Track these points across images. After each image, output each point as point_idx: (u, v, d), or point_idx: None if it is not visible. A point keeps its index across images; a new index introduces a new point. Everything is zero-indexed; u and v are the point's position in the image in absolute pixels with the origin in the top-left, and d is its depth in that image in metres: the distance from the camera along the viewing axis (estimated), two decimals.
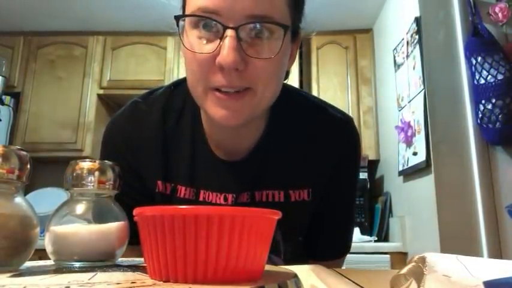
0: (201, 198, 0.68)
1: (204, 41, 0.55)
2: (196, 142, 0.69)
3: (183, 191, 0.68)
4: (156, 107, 0.70)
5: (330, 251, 0.78)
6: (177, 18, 0.57)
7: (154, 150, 0.68)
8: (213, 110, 0.57)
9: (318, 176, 0.71)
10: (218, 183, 0.68)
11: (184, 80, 0.71)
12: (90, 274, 0.33)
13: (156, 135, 0.69)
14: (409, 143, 2.09)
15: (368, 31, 2.96)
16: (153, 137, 0.69)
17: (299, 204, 0.70)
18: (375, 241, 2.40)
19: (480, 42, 1.23)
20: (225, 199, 0.68)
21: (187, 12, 0.57)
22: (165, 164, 0.68)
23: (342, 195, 0.76)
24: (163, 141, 0.69)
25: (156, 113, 0.70)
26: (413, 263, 0.35)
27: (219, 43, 0.53)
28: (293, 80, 2.69)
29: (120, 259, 0.45)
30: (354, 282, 0.42)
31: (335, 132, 0.73)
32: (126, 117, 0.71)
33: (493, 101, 1.18)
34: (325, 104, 0.76)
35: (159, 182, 0.68)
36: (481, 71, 1.20)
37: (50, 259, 0.42)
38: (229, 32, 0.53)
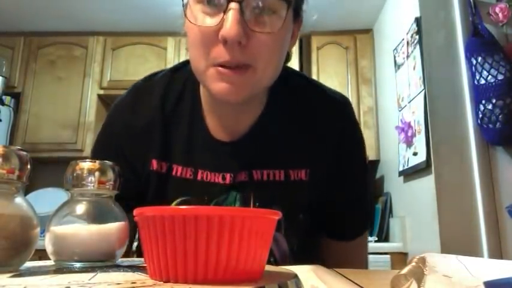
0: (199, 178, 0.69)
1: (208, 15, 0.56)
2: (195, 123, 0.70)
3: (180, 170, 0.69)
4: (157, 90, 0.71)
5: (353, 228, 0.80)
6: None
7: (151, 130, 0.70)
8: (215, 85, 0.58)
9: (316, 157, 0.72)
10: (216, 163, 0.69)
11: (184, 65, 0.73)
12: (91, 274, 0.33)
13: (154, 116, 0.70)
14: (409, 143, 2.09)
15: (368, 31, 2.96)
16: (151, 117, 0.70)
17: (297, 183, 0.71)
18: (375, 241, 2.40)
19: (480, 42, 1.23)
20: (223, 178, 0.69)
21: None
22: (161, 143, 0.69)
23: (352, 172, 0.77)
24: (162, 123, 0.70)
25: (156, 95, 0.71)
26: (413, 263, 0.35)
27: (223, 16, 0.54)
28: None
29: (120, 259, 0.45)
30: (354, 282, 0.42)
31: (333, 113, 0.74)
32: (125, 102, 0.73)
33: (494, 101, 1.18)
34: (322, 85, 0.78)
35: (154, 161, 0.69)
36: (481, 71, 1.20)
37: (50, 259, 0.42)
38: (233, 5, 0.53)
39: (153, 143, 0.69)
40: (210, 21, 0.56)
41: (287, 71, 0.72)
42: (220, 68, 0.57)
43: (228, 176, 0.69)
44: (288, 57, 0.68)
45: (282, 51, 0.62)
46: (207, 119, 0.70)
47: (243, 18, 0.54)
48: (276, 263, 0.72)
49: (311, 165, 0.71)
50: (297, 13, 0.63)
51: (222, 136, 0.70)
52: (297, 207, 0.74)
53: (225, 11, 0.54)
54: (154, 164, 0.69)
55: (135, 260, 0.47)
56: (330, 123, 0.73)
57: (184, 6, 0.60)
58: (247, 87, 0.59)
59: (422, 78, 1.91)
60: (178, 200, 0.69)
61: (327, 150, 0.73)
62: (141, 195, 0.70)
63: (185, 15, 0.59)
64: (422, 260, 0.35)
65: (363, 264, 0.85)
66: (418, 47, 1.98)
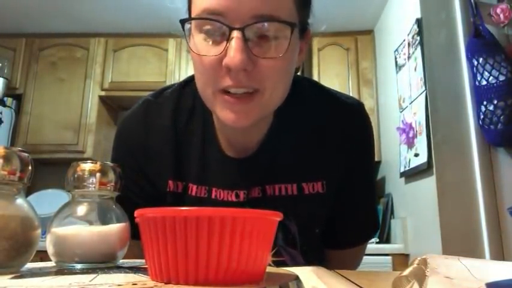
0: (213, 196, 0.68)
1: (210, 43, 0.55)
2: (207, 141, 0.69)
3: (194, 189, 0.69)
4: (167, 107, 0.70)
5: (359, 235, 0.79)
6: (183, 21, 0.57)
7: (165, 150, 0.69)
8: (223, 113, 0.58)
9: (332, 167, 0.71)
10: (229, 181, 0.68)
11: (193, 79, 0.72)
12: (92, 276, 0.33)
13: (167, 136, 0.69)
14: (410, 144, 2.09)
15: (369, 32, 2.96)
16: (164, 137, 0.69)
17: (314, 197, 0.69)
18: (377, 242, 2.40)
19: (481, 43, 1.23)
20: (237, 196, 0.68)
21: (193, 15, 0.57)
22: (176, 163, 0.69)
23: (360, 177, 0.76)
24: (175, 141, 0.69)
25: (167, 114, 0.70)
26: (415, 265, 0.35)
27: (226, 45, 0.53)
28: None
29: (121, 260, 0.45)
30: (355, 283, 0.42)
31: (348, 120, 0.72)
32: (137, 119, 0.72)
33: (495, 102, 1.17)
34: (334, 91, 0.76)
35: (170, 182, 0.68)
36: (483, 72, 1.20)
37: (51, 260, 0.42)
38: (236, 33, 0.52)
39: (168, 163, 0.69)
40: (213, 50, 0.54)
41: (297, 80, 0.70)
42: (226, 97, 0.56)
43: (241, 193, 0.68)
44: (296, 70, 0.67)
45: (289, 72, 0.61)
46: (219, 135, 0.69)
47: (247, 46, 0.53)
48: None
49: (327, 176, 0.70)
50: (303, 29, 0.62)
51: (233, 153, 0.69)
52: (314, 222, 0.73)
53: (228, 39, 0.53)
54: (171, 184, 0.68)
55: (136, 261, 0.47)
56: (344, 132, 0.71)
57: (187, 34, 0.59)
58: (253, 114, 0.58)
59: (423, 79, 1.91)
60: None
61: (340, 159, 0.71)
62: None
63: (188, 43, 0.58)
64: (424, 262, 0.34)
65: (353, 267, 0.84)
66: (419, 48, 1.98)
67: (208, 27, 0.55)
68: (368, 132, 0.76)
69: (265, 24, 0.54)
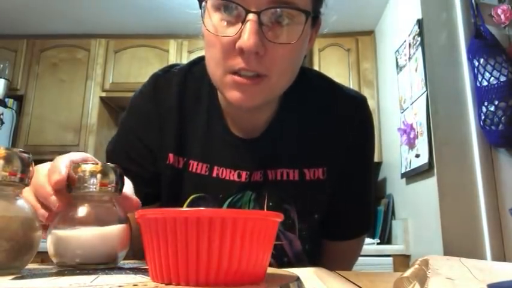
0: (214, 174, 0.69)
1: (226, 25, 0.56)
2: (213, 120, 0.71)
3: (195, 166, 0.70)
4: (174, 84, 0.72)
5: (354, 226, 0.80)
6: (200, 0, 0.59)
7: (169, 124, 0.70)
8: (230, 93, 0.59)
9: (333, 155, 0.72)
10: (232, 160, 0.69)
11: (203, 59, 0.73)
12: (92, 277, 0.33)
13: (172, 111, 0.71)
14: (411, 145, 2.09)
15: (370, 33, 2.96)
16: (168, 112, 0.71)
17: (314, 183, 0.70)
18: (378, 243, 2.40)
19: (483, 44, 1.23)
20: (239, 176, 0.69)
21: None
22: (179, 137, 0.70)
23: (359, 168, 0.77)
24: (179, 117, 0.71)
25: (173, 90, 0.72)
26: (416, 266, 0.35)
27: (241, 27, 0.54)
28: None
29: (122, 262, 0.45)
30: (356, 284, 0.42)
31: (350, 111, 0.74)
32: (146, 92, 0.74)
33: (496, 102, 1.17)
34: (339, 84, 0.78)
35: (171, 155, 0.70)
36: (484, 72, 1.20)
37: (52, 262, 0.42)
38: (251, 16, 0.54)
39: (169, 135, 0.70)
40: (228, 31, 0.56)
41: (305, 69, 0.72)
42: (236, 77, 0.57)
43: (243, 173, 0.69)
44: (304, 57, 0.68)
45: (299, 59, 0.62)
46: (225, 114, 0.71)
47: (261, 29, 0.54)
48: (290, 263, 0.72)
49: (328, 163, 0.71)
50: (315, 17, 0.63)
51: (239, 133, 0.70)
52: (313, 208, 0.74)
53: (243, 22, 0.54)
54: (171, 158, 0.70)
55: (137, 262, 0.47)
56: (346, 122, 0.73)
57: (202, 12, 0.60)
58: (260, 96, 0.59)
59: (424, 80, 1.90)
60: (194, 197, 0.69)
61: (341, 148, 0.73)
62: (154, 191, 0.71)
63: (203, 22, 0.59)
64: (425, 262, 0.34)
65: (349, 265, 0.85)
66: (420, 48, 1.98)
67: (224, 8, 0.56)
68: (369, 123, 0.78)
69: (281, 10, 0.55)
